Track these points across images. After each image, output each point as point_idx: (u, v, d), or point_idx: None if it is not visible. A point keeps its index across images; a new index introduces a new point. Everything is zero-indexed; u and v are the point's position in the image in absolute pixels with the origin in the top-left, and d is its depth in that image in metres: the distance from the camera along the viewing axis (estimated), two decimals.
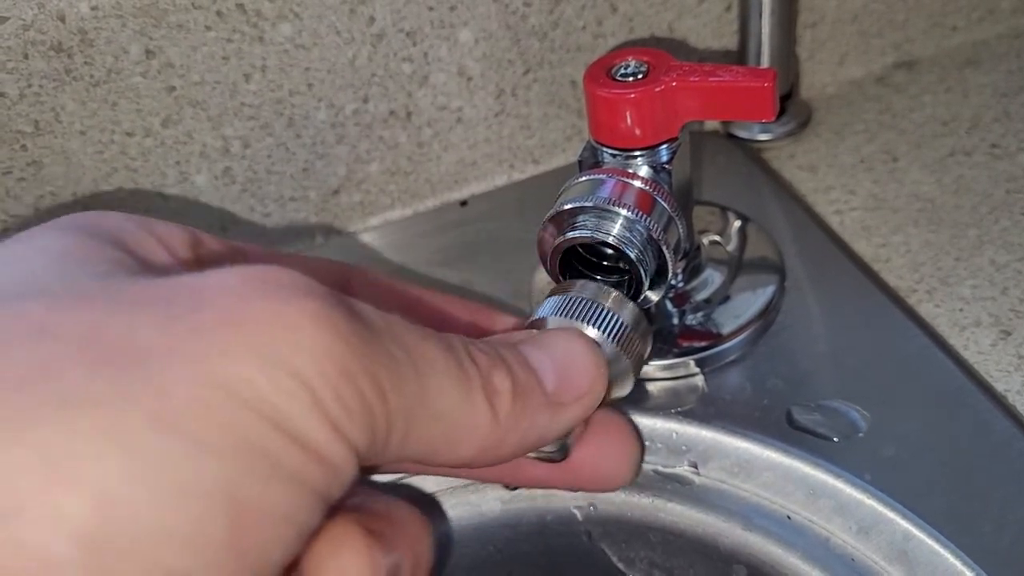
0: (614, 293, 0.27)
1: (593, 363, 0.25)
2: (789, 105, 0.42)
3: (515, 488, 0.32)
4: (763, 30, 0.40)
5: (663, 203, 0.29)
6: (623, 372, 0.27)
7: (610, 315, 0.26)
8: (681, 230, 0.29)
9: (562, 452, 0.26)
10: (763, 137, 0.42)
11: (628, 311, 0.27)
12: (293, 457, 0.18)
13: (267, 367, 0.18)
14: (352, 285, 0.28)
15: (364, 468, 0.20)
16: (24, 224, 0.35)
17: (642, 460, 0.29)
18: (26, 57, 0.33)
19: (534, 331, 0.26)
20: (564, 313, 0.27)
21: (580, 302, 0.27)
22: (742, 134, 0.42)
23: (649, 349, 0.28)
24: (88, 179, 0.36)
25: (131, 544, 0.16)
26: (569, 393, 0.24)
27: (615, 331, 0.26)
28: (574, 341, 0.25)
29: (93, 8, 0.33)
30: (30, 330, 0.17)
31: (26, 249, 0.20)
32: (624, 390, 0.27)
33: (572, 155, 0.31)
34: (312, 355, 0.18)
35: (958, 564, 0.27)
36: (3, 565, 0.15)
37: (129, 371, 0.17)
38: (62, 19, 0.33)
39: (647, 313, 0.28)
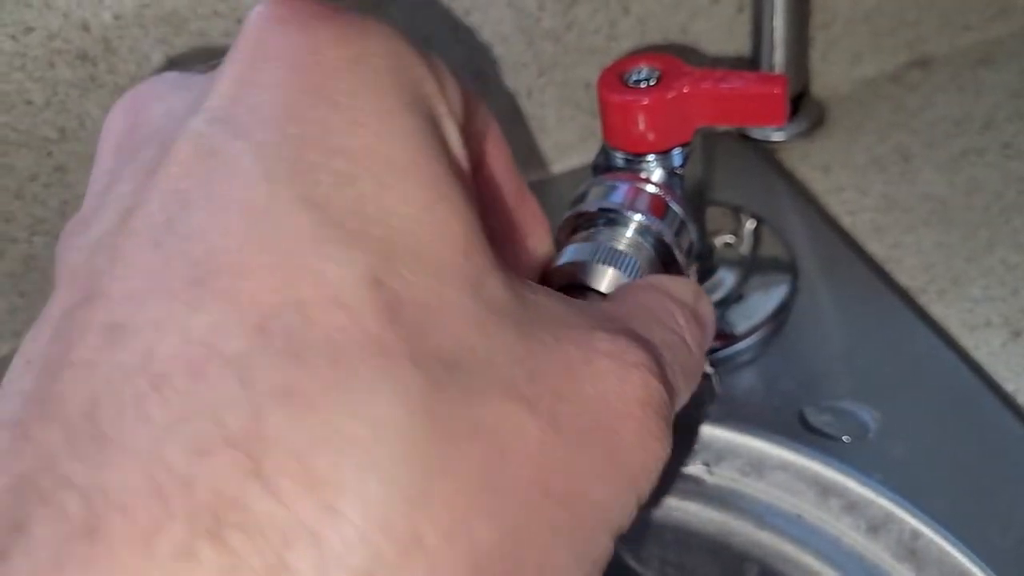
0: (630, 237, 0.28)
1: (711, 306, 0.25)
2: (802, 105, 0.43)
3: None
4: (775, 31, 0.40)
5: (676, 207, 0.29)
6: None
7: (630, 259, 0.27)
8: (693, 234, 0.30)
9: None
10: (776, 137, 0.42)
11: (644, 256, 0.28)
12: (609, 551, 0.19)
13: (627, 497, 0.19)
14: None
15: None
16: (48, 230, 0.36)
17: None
18: (52, 66, 0.34)
19: (695, 288, 0.26)
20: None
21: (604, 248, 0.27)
22: (755, 135, 0.42)
23: None
24: None
25: None
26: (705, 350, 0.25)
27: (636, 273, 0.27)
28: (701, 296, 0.25)
29: (116, 17, 0.33)
30: (543, 491, 0.17)
31: (389, 134, 0.18)
32: None
33: (587, 156, 0.32)
34: (653, 475, 0.20)
35: (967, 563, 0.27)
36: None
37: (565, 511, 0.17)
38: (86, 28, 0.33)
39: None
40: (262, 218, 0.16)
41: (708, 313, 0.25)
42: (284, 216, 0.16)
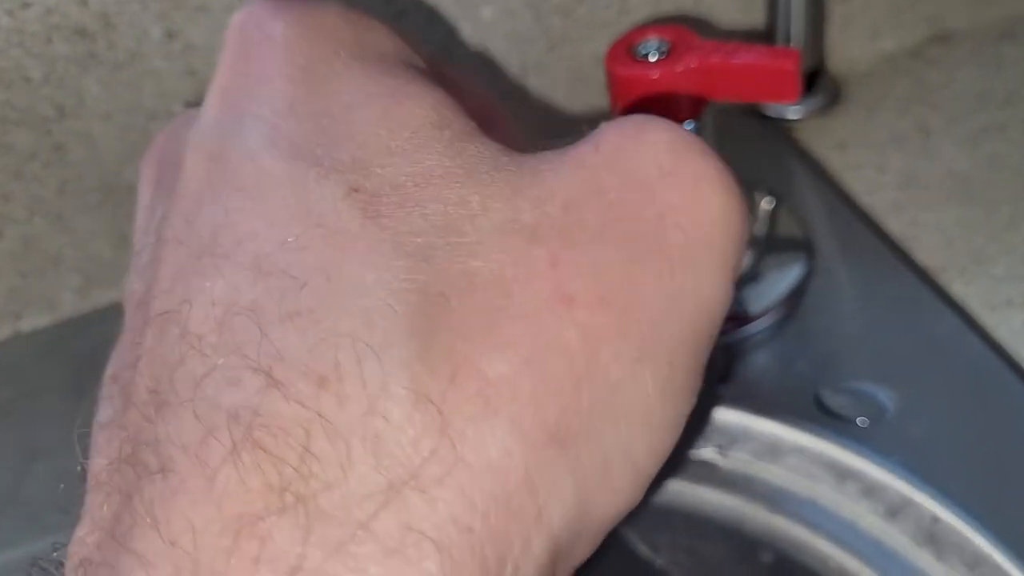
0: None
1: None
2: (819, 81, 0.42)
3: None
4: (792, 3, 0.39)
5: None
6: None
7: None
8: None
9: None
10: (792, 114, 0.41)
11: None
12: None
13: (724, 282, 0.19)
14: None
15: None
16: (48, 210, 0.36)
17: None
18: (50, 41, 0.33)
19: None
20: None
21: None
22: (770, 112, 0.41)
23: None
24: (112, 163, 0.36)
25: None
26: None
27: None
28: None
29: None
30: (556, 297, 0.17)
31: (405, 123, 0.19)
32: None
33: None
34: (740, 247, 0.20)
35: (988, 547, 0.27)
36: None
37: (636, 336, 0.18)
38: (84, 3, 0.33)
39: None
40: (253, 189, 0.19)
41: None
42: (269, 180, 0.19)
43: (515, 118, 0.26)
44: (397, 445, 0.16)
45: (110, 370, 0.20)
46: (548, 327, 0.17)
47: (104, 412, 0.19)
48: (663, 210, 0.18)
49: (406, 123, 0.19)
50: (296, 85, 0.20)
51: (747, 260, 0.34)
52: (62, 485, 0.20)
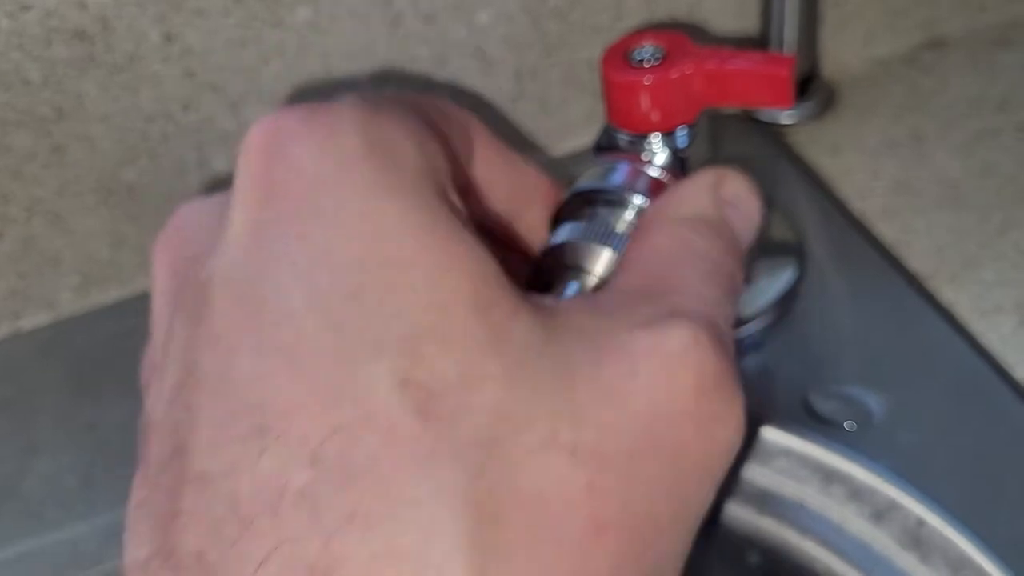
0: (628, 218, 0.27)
1: (758, 197, 0.25)
2: (812, 86, 0.42)
3: None
4: (786, 9, 0.39)
5: None
6: None
7: (627, 240, 0.27)
8: None
9: None
10: (785, 119, 0.41)
11: None
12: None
13: (710, 495, 0.20)
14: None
15: None
16: (47, 210, 0.36)
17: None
18: (49, 44, 0.33)
19: (713, 183, 0.25)
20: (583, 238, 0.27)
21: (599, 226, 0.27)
22: (764, 117, 0.42)
23: None
24: (110, 164, 0.36)
25: None
26: (750, 239, 0.25)
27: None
28: (746, 186, 0.25)
29: None
30: (589, 524, 0.18)
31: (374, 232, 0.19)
32: None
33: (591, 137, 0.31)
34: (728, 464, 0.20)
35: (971, 550, 0.27)
36: None
37: (651, 564, 0.18)
38: (83, 7, 0.33)
39: None
40: (295, 353, 0.18)
41: (739, 200, 0.25)
42: (312, 346, 0.18)
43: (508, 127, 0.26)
44: None
45: (133, 502, 0.19)
46: (583, 554, 0.17)
47: (139, 550, 0.19)
48: (680, 443, 0.19)
49: (450, 301, 0.19)
50: (329, 231, 0.19)
51: None
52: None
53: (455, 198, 0.21)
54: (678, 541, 0.19)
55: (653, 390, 0.19)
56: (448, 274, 0.19)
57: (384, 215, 0.19)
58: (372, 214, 0.19)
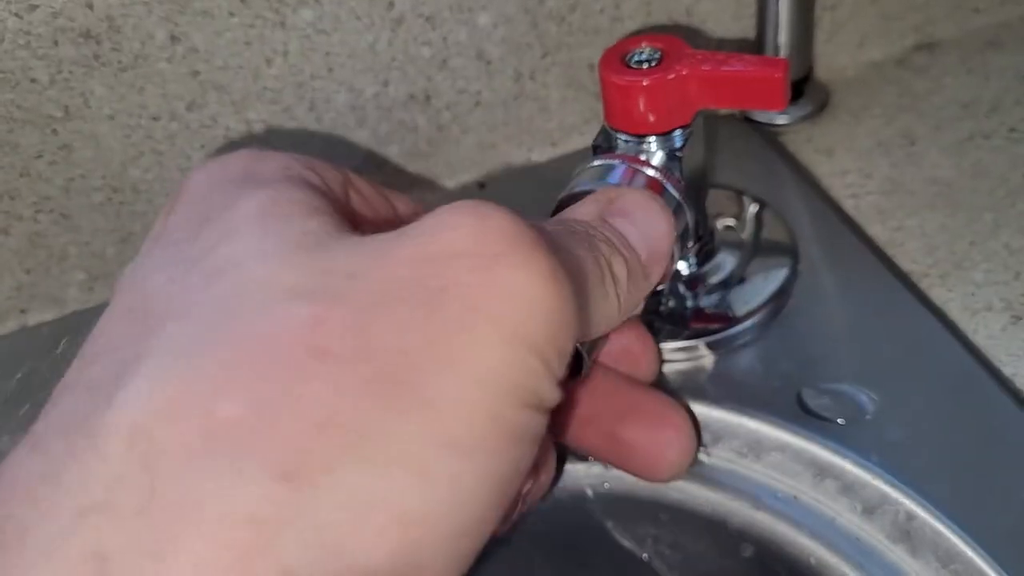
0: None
1: (670, 225, 0.26)
2: (807, 88, 0.42)
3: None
4: (780, 12, 0.40)
5: (672, 190, 0.29)
6: None
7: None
8: (690, 217, 0.30)
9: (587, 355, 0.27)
10: (780, 120, 0.42)
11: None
12: (539, 424, 0.20)
13: (512, 351, 0.19)
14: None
15: None
16: (54, 208, 0.37)
17: (696, 454, 0.30)
18: (56, 44, 0.34)
19: (610, 197, 0.26)
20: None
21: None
22: (759, 117, 0.42)
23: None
24: (116, 162, 0.37)
25: (432, 556, 0.18)
26: (655, 261, 0.25)
27: None
28: (652, 206, 0.26)
29: None
30: (309, 350, 0.18)
31: (233, 218, 0.21)
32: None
33: (590, 137, 0.32)
34: (545, 323, 0.19)
35: (961, 544, 0.27)
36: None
37: (402, 389, 0.18)
38: (90, 6, 0.33)
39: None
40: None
41: (631, 212, 0.25)
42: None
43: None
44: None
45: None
46: (294, 376, 0.18)
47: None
48: (447, 284, 0.19)
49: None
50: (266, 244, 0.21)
51: (734, 263, 0.35)
52: None
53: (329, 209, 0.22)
54: (449, 384, 0.18)
55: (420, 238, 0.20)
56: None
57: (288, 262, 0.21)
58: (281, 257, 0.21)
